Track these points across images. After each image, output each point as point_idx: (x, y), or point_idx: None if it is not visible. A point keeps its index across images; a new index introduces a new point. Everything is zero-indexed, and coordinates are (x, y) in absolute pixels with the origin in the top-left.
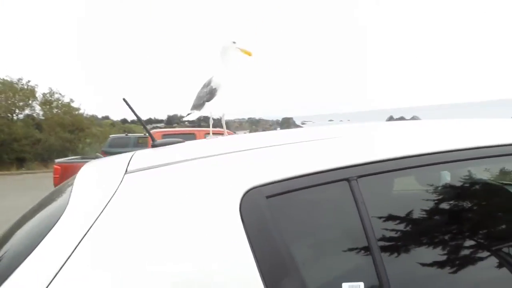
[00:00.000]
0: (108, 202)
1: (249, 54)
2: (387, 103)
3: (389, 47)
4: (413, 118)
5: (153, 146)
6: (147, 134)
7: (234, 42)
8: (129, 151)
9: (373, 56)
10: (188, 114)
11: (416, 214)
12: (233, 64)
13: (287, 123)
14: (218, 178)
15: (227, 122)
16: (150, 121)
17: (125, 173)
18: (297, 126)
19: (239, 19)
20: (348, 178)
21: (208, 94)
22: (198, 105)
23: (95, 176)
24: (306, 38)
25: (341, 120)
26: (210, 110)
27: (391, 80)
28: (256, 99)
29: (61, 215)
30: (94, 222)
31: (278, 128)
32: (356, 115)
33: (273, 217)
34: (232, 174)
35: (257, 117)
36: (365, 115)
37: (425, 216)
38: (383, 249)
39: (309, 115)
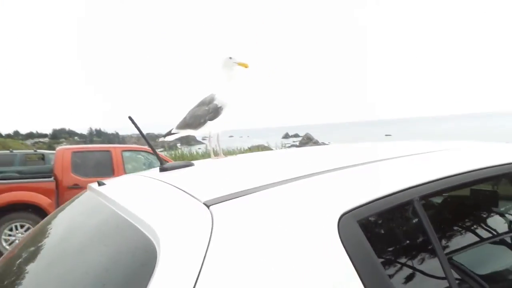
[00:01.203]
0: (209, 242)
1: (246, 66)
2: (283, 120)
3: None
4: (306, 135)
5: (162, 169)
6: (40, 151)
7: (230, 58)
8: (15, 170)
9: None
10: (171, 134)
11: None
12: (236, 81)
13: (187, 138)
14: (310, 204)
15: (124, 138)
16: (31, 135)
17: (208, 206)
18: (198, 141)
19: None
20: (413, 199)
21: (211, 112)
22: (195, 124)
23: (165, 209)
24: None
25: (241, 136)
26: (210, 129)
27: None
28: (155, 114)
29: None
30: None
31: (179, 144)
32: (253, 132)
33: (370, 237)
34: (324, 199)
35: (155, 132)
36: (262, 132)
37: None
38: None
39: None
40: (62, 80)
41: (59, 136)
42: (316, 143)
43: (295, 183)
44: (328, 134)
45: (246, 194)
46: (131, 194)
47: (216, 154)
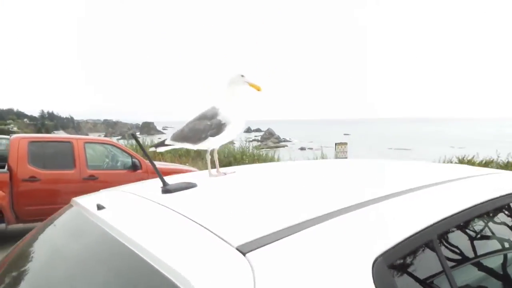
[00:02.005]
0: None
1: (259, 89)
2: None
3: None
4: (268, 130)
5: (165, 191)
6: None
7: (242, 76)
8: None
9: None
10: (164, 145)
11: None
12: (241, 98)
13: (147, 127)
14: (344, 249)
15: (79, 123)
16: None
17: (244, 254)
18: (159, 131)
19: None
20: (432, 237)
21: (214, 128)
22: (194, 139)
23: (195, 255)
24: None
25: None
26: (210, 145)
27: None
28: (115, 100)
29: None
30: None
31: (138, 133)
32: None
33: (400, 279)
34: (357, 242)
35: (114, 119)
36: None
37: None
38: None
39: (171, 120)
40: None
41: (5, 117)
42: (278, 138)
43: (327, 223)
44: (290, 131)
45: (280, 238)
46: (145, 227)
47: (213, 170)
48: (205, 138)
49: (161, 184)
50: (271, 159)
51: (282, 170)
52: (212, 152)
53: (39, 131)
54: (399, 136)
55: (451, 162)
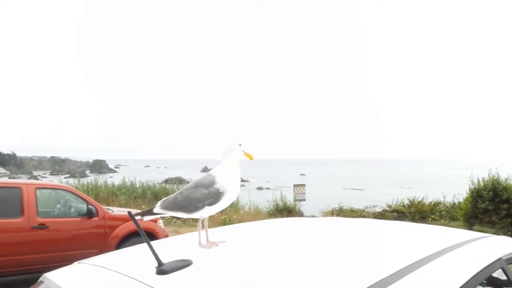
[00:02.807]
0: None
1: (251, 158)
2: (203, 153)
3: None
4: (205, 169)
5: (160, 272)
6: None
7: (240, 144)
8: None
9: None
10: (152, 214)
11: None
12: (237, 166)
13: (98, 165)
14: None
15: (22, 160)
16: None
17: None
18: (111, 169)
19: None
20: None
21: (212, 197)
22: (190, 208)
23: None
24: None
25: (158, 167)
26: (205, 214)
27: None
28: (61, 137)
29: None
30: None
31: (88, 171)
32: (171, 163)
33: None
34: None
35: (62, 156)
36: (180, 163)
37: None
38: None
39: (122, 158)
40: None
41: None
42: None
43: None
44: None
45: None
46: None
47: (205, 241)
48: (202, 207)
49: (151, 259)
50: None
51: (271, 234)
52: (203, 220)
53: None
54: (351, 176)
55: (403, 203)
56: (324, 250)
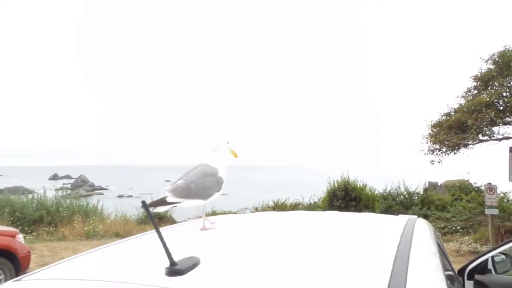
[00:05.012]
0: None
1: (236, 156)
2: (47, 159)
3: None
4: (81, 177)
5: (172, 273)
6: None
7: (228, 142)
8: None
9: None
10: (166, 203)
11: None
12: (226, 160)
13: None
14: None
15: None
16: None
17: None
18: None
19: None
20: None
21: (218, 185)
22: (206, 195)
23: None
24: None
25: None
26: (212, 199)
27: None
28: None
29: None
30: None
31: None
32: (10, 170)
33: None
34: None
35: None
36: (22, 170)
37: None
38: None
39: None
40: None
41: None
42: (92, 185)
43: None
44: (108, 177)
45: None
46: None
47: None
48: (212, 194)
49: (161, 258)
50: (94, 210)
51: (265, 225)
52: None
53: None
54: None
55: (268, 205)
56: (323, 247)
